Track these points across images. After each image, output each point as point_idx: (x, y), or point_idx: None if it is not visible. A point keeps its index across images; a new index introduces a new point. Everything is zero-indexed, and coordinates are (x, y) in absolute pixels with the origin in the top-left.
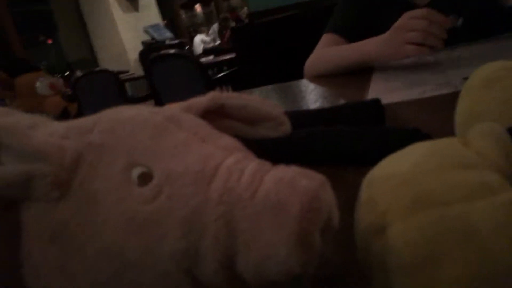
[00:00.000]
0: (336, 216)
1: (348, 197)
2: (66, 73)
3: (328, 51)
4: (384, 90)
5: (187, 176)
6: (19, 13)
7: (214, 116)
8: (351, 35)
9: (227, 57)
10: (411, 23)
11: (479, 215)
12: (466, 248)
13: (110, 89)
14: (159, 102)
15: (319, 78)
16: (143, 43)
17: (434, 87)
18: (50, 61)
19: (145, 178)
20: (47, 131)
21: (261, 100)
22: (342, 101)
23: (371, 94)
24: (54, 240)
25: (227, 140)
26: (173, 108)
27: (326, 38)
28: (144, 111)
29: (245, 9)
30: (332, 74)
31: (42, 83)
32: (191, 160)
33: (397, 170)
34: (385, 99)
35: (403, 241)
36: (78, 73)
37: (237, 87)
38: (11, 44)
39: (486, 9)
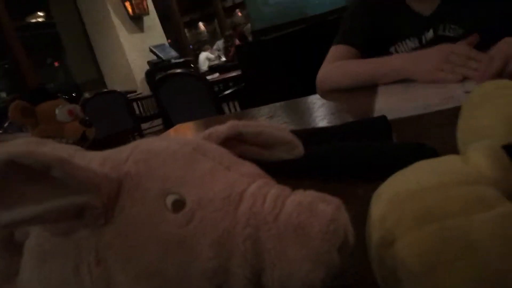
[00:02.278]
0: (351, 234)
1: (359, 211)
2: (73, 94)
3: (348, 63)
4: (390, 104)
5: (216, 202)
6: (27, 38)
7: (233, 142)
8: (361, 45)
9: (233, 74)
10: (451, 58)
11: (477, 227)
12: (465, 256)
13: (119, 109)
14: (168, 120)
15: (325, 93)
16: (149, 62)
17: (438, 102)
18: (58, 83)
19: (178, 205)
20: (86, 161)
21: (274, 126)
22: (349, 118)
23: (377, 108)
24: (99, 261)
25: (249, 167)
26: (197, 138)
27: (335, 50)
28: (173, 142)
29: (249, 26)
30: (344, 89)
31: (61, 110)
32: (219, 188)
33: (403, 187)
34: (391, 115)
35: (411, 252)
36: (86, 95)
37: (244, 104)
38: (22, 66)
39: (488, 19)
